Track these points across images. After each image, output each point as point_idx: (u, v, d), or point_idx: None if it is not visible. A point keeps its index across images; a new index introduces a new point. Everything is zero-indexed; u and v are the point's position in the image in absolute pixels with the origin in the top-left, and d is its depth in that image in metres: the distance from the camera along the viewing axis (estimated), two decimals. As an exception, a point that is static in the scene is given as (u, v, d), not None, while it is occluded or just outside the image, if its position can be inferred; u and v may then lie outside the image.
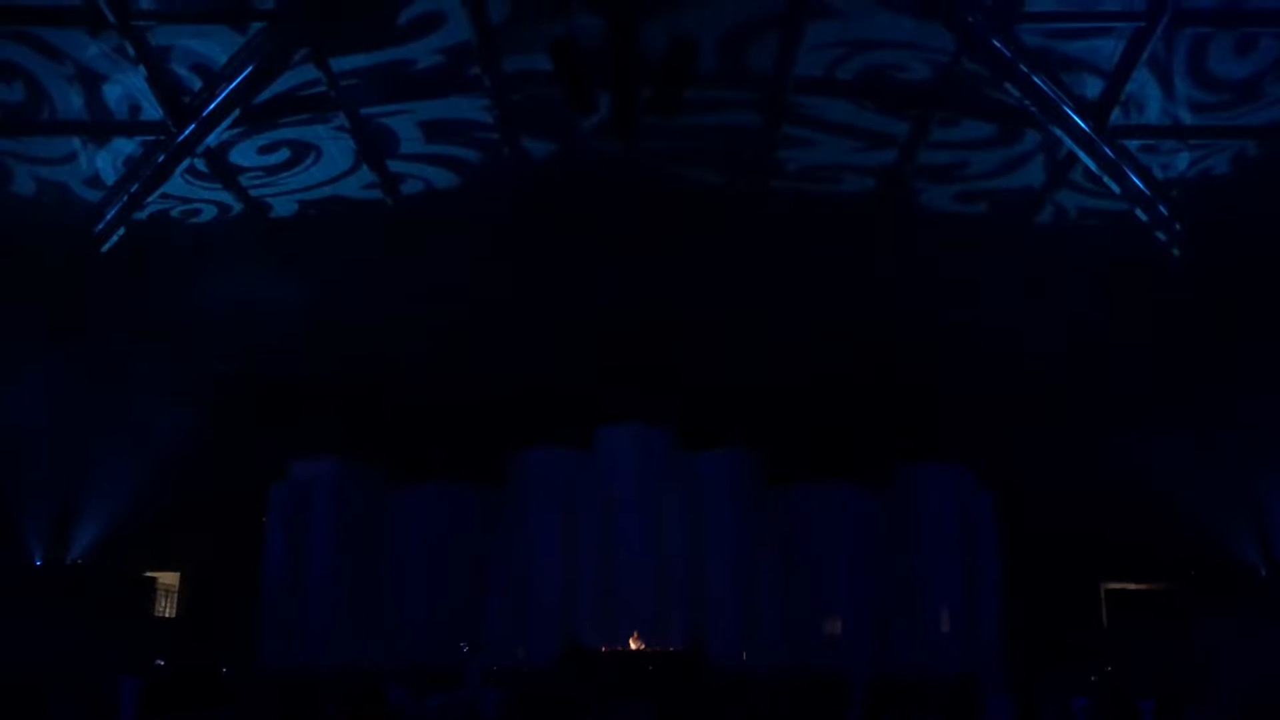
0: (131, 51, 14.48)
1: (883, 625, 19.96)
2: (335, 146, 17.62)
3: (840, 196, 19.56)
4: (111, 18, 13.95)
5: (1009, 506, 19.82)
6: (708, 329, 20.17)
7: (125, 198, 16.52)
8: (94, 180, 16.75)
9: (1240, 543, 19.16)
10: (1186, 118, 15.14)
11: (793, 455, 20.19)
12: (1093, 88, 14.84)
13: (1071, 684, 16.93)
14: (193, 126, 15.43)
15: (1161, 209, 15.76)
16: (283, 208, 19.26)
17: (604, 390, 20.18)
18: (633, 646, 18.60)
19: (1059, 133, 15.21)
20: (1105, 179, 15.61)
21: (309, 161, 17.86)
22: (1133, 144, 15.42)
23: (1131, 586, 20.78)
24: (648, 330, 20.18)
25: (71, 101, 15.45)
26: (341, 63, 15.57)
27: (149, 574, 20.74)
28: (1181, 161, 15.82)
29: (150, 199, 16.92)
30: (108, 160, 16.35)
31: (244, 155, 17.40)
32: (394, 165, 18.63)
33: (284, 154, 17.59)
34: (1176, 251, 16.09)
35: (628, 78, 14.86)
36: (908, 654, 19.51)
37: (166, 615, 20.82)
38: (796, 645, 19.59)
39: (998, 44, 14.06)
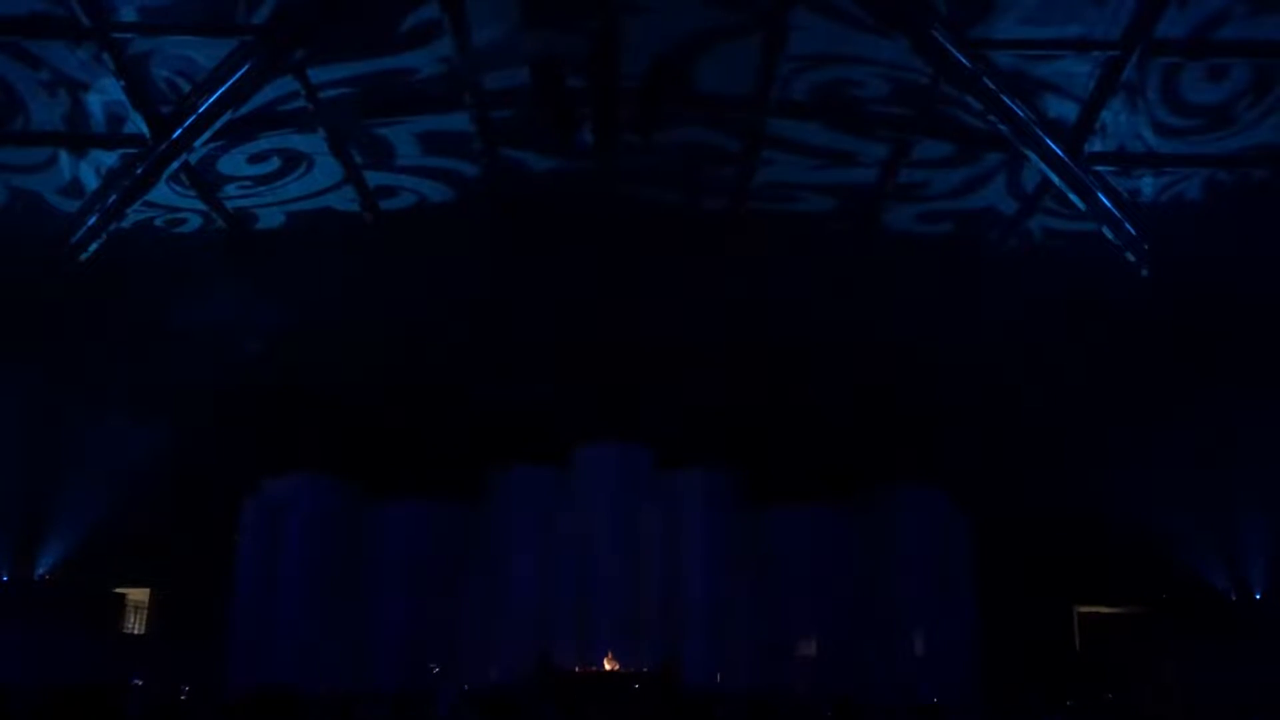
0: (111, 62, 14.41)
1: (857, 648, 19.93)
2: (325, 158, 17.58)
3: (812, 216, 19.72)
4: (94, 25, 13.87)
5: (983, 529, 19.88)
6: (687, 348, 20.21)
7: (104, 208, 16.38)
8: (70, 189, 16.62)
9: (1211, 568, 19.31)
10: (1159, 142, 15.32)
11: (770, 476, 20.19)
12: (1057, 107, 14.98)
13: (1045, 708, 16.95)
14: (173, 137, 15.36)
15: (1130, 228, 15.92)
16: (270, 218, 19.18)
17: (582, 409, 20.16)
18: (607, 667, 18.51)
19: (1031, 154, 15.36)
20: (1072, 197, 15.74)
21: (300, 172, 17.78)
22: (1103, 168, 15.60)
23: (1104, 610, 20.88)
24: (627, 349, 20.20)
25: (51, 111, 15.35)
26: (332, 73, 15.51)
27: (118, 590, 20.47)
28: (1153, 186, 16.00)
29: (131, 209, 16.79)
30: (88, 169, 16.23)
31: (233, 165, 17.30)
32: (390, 178, 18.60)
33: (274, 163, 17.49)
34: (1146, 272, 16.24)
35: (610, 97, 14.99)
36: (882, 677, 19.48)
37: (136, 631, 20.54)
38: (771, 667, 19.52)
39: (964, 60, 14.18)
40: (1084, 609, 20.99)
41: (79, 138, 15.76)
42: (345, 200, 18.91)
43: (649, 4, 14.44)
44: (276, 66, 14.74)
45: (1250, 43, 13.70)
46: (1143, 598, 20.14)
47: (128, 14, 13.94)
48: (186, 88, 15.07)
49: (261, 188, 18.11)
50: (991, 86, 14.36)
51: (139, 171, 15.87)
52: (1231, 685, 16.75)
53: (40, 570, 19.33)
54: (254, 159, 17.21)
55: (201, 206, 18.11)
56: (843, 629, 19.90)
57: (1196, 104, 14.70)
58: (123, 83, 14.69)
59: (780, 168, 18.26)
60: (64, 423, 18.98)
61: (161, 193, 17.02)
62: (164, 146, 15.44)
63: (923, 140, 16.74)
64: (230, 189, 17.99)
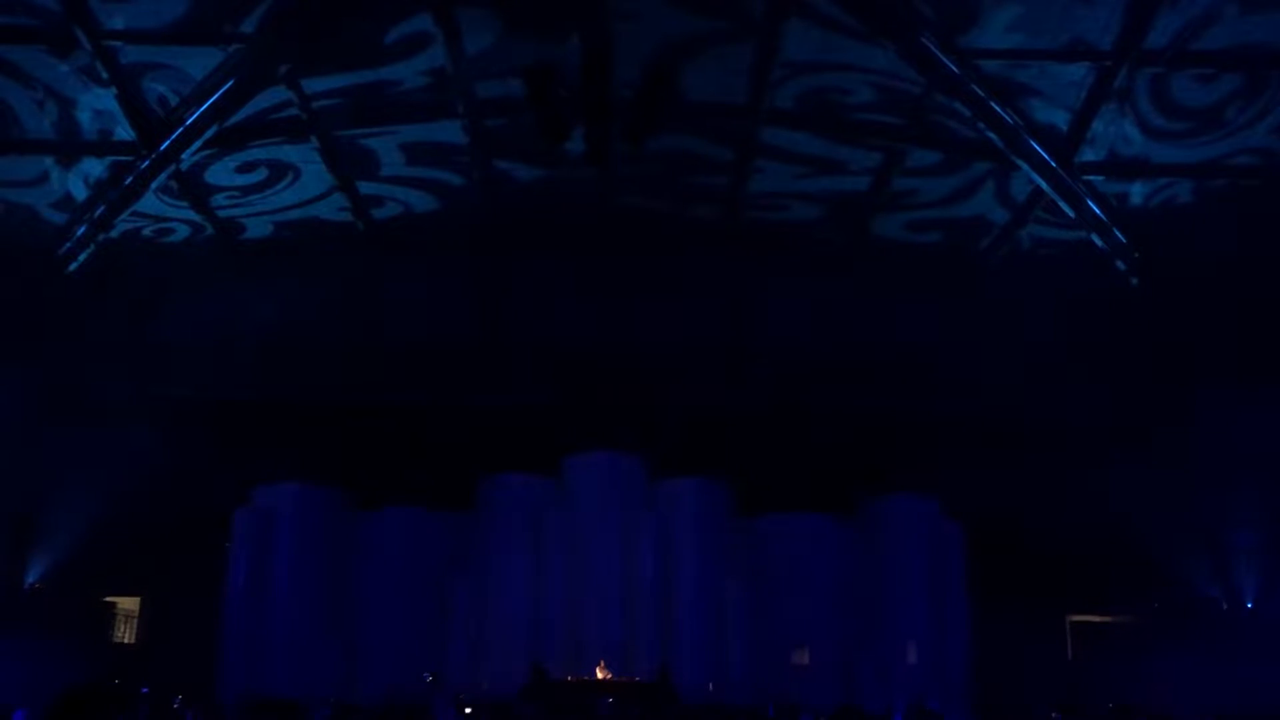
0: (103, 72, 14.40)
1: (850, 657, 19.90)
2: (313, 168, 17.57)
3: (802, 225, 19.74)
4: (83, 38, 13.88)
5: (976, 539, 19.87)
6: (677, 358, 20.22)
7: (92, 219, 16.42)
8: (62, 202, 16.64)
9: (1203, 576, 19.31)
10: (1151, 147, 15.28)
11: (761, 486, 20.16)
12: (1047, 115, 14.98)
13: (1037, 716, 16.93)
14: (163, 147, 15.37)
15: (1119, 236, 15.90)
16: (257, 228, 19.15)
17: (573, 418, 20.14)
18: (599, 676, 18.45)
19: (1020, 162, 15.36)
20: (1062, 205, 15.73)
21: (286, 182, 17.79)
22: (1096, 177, 15.60)
23: (1096, 619, 20.86)
24: (618, 358, 20.20)
25: (41, 123, 15.34)
26: (321, 84, 15.55)
27: (108, 599, 20.38)
28: (1143, 192, 15.98)
29: (120, 219, 16.80)
30: (77, 181, 16.21)
31: (220, 175, 17.31)
32: (375, 187, 18.60)
33: (261, 174, 17.51)
34: (1135, 280, 16.23)
35: (602, 105, 14.99)
36: (875, 685, 19.44)
37: (126, 641, 20.44)
38: (764, 676, 19.47)
39: (953, 67, 14.18)
40: (1077, 617, 20.97)
41: (70, 146, 15.74)
42: (333, 210, 18.90)
43: (640, 12, 14.46)
44: (263, 79, 14.76)
45: (1241, 47, 13.66)
46: (1135, 606, 20.13)
47: (117, 24, 13.92)
48: (174, 101, 15.08)
49: (250, 197, 18.11)
50: (980, 94, 14.35)
51: (128, 182, 15.89)
52: (1224, 693, 16.73)
53: (30, 579, 19.27)
54: (242, 169, 17.23)
55: (190, 216, 18.10)
56: (836, 638, 19.87)
57: (1188, 107, 14.66)
58: (114, 91, 14.68)
59: (770, 177, 18.28)
60: (55, 432, 18.93)
61: (150, 203, 17.01)
62: (153, 156, 15.45)
63: (912, 149, 16.75)
64: (218, 199, 17.99)
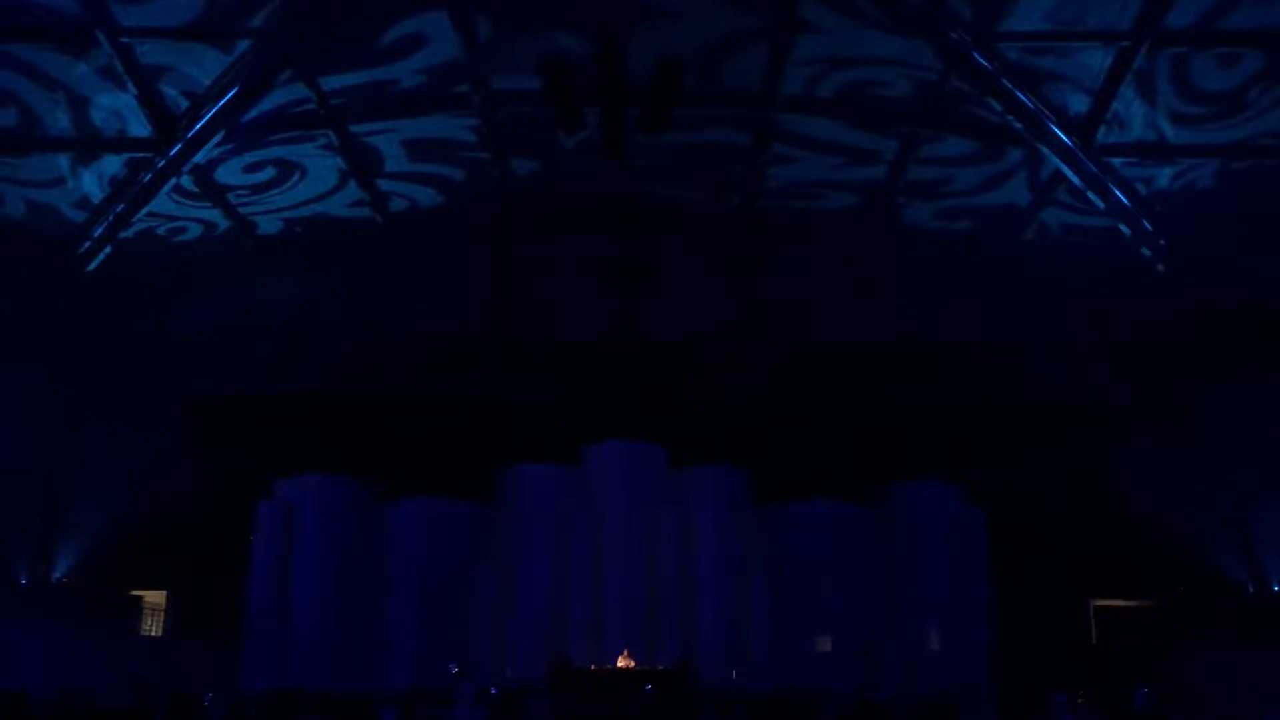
0: (121, 70, 14.49)
1: (872, 643, 19.88)
2: (322, 165, 17.63)
3: (825, 213, 19.65)
4: (102, 36, 13.96)
5: (998, 524, 19.79)
6: (698, 347, 20.20)
7: (111, 217, 16.59)
8: (83, 202, 16.78)
9: (1228, 561, 19.19)
10: (1171, 132, 15.15)
11: (783, 473, 20.13)
12: (1075, 102, 14.88)
13: (1060, 702, 16.87)
14: (180, 145, 15.46)
15: (1145, 224, 15.79)
16: (268, 225, 19.27)
17: (594, 407, 20.16)
18: (621, 664, 18.51)
19: (1044, 149, 15.26)
20: (1089, 194, 15.64)
21: (295, 179, 17.87)
22: (1116, 160, 15.48)
23: (1121, 604, 20.76)
24: (638, 347, 20.20)
25: (60, 122, 15.45)
26: (329, 81, 15.63)
27: (135, 592, 20.59)
28: (1166, 176, 15.85)
29: (136, 218, 16.93)
30: (94, 181, 16.33)
31: (230, 174, 17.42)
32: (390, 183, 18.67)
33: (270, 172, 17.62)
34: (1162, 267, 16.12)
35: (617, 97, 14.97)
36: (897, 672, 19.43)
37: (152, 634, 20.65)
38: (786, 663, 19.49)
39: (981, 59, 14.09)
40: (1100, 602, 20.87)
41: (90, 144, 15.86)
42: (347, 204, 18.97)
43: (661, 6, 14.41)
44: (277, 74, 14.83)
45: (1261, 30, 13.51)
46: (1159, 591, 20.02)
47: (134, 22, 13.98)
48: (192, 96, 15.16)
49: (260, 195, 18.21)
50: (1008, 85, 14.27)
51: (145, 179, 16.01)
52: (1249, 677, 16.65)
53: (58, 573, 19.49)
54: (252, 167, 17.34)
55: (204, 214, 18.22)
56: (858, 625, 19.84)
57: (1208, 91, 14.52)
58: (132, 89, 14.77)
59: (800, 165, 18.20)
60: (80, 428, 19.11)
61: (164, 203, 17.15)
62: (172, 152, 15.55)
63: (944, 137, 16.63)
64: (230, 197, 18.14)
